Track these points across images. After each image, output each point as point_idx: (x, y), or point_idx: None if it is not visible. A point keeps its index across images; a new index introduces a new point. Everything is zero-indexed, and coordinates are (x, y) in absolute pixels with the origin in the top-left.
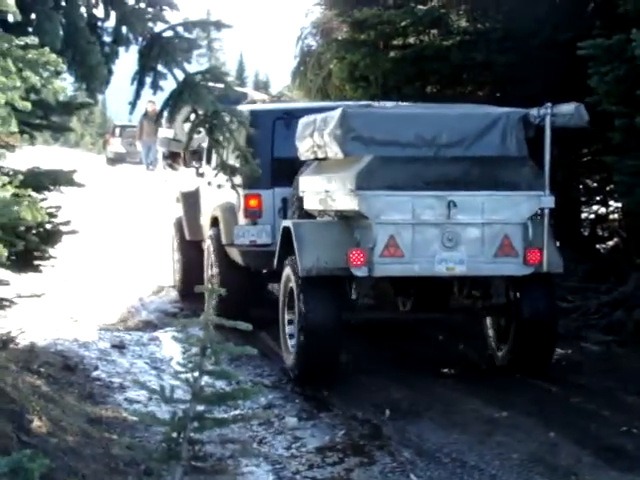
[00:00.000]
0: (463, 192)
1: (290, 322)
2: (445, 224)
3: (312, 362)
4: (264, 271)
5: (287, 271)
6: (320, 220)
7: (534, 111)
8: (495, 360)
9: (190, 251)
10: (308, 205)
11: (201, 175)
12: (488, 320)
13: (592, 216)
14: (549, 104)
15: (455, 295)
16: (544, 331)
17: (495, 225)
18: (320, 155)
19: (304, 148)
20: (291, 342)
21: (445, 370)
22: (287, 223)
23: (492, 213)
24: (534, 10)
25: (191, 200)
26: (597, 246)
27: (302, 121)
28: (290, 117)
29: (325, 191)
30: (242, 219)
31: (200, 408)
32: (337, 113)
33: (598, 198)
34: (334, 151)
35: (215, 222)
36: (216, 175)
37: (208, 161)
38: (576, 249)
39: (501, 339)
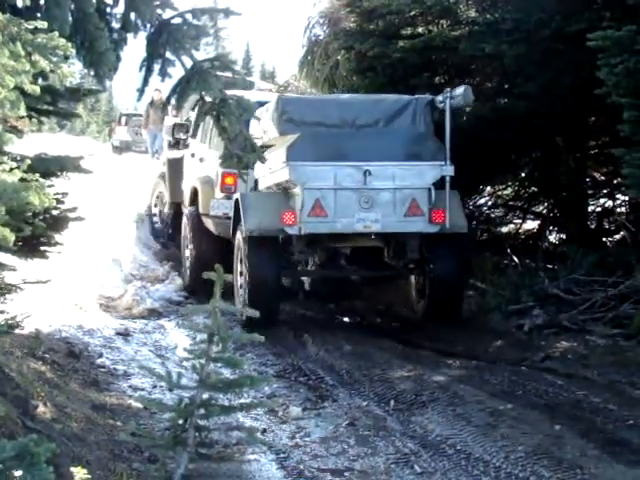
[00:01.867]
0: (377, 162)
1: (241, 274)
2: (362, 189)
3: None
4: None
5: (237, 235)
6: (262, 192)
7: (439, 97)
8: (415, 311)
9: (203, 243)
10: (261, 185)
11: (186, 146)
12: (412, 277)
13: (599, 209)
14: (448, 89)
15: (385, 256)
16: (451, 284)
17: (404, 190)
18: (265, 138)
19: (256, 134)
20: (240, 291)
21: (450, 361)
22: (236, 195)
23: (401, 180)
24: (544, 1)
25: (176, 166)
26: (604, 239)
27: None
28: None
29: (268, 168)
30: (218, 193)
31: (206, 395)
32: (274, 100)
33: (605, 191)
34: (273, 132)
35: (195, 193)
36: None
37: (194, 134)
38: (583, 242)
39: (420, 292)
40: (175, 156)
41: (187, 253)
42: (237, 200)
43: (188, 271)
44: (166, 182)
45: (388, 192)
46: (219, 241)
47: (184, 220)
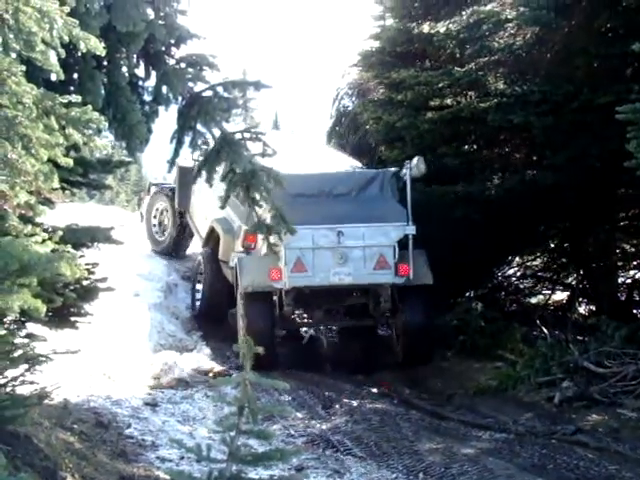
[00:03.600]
0: (348, 225)
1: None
2: (336, 248)
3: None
4: None
5: (238, 292)
6: (255, 255)
7: (403, 169)
8: (396, 356)
9: (216, 284)
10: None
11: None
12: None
13: (629, 280)
14: (407, 162)
15: (369, 308)
16: (420, 329)
17: (373, 247)
18: None
19: None
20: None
21: (479, 433)
22: (235, 260)
23: (370, 239)
24: (572, 73)
25: (187, 175)
26: (634, 311)
27: None
28: None
29: None
30: (239, 247)
31: (236, 468)
32: None
33: (635, 262)
34: None
35: (215, 236)
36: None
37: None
38: (613, 314)
39: (398, 338)
40: (187, 165)
41: (199, 287)
42: (236, 263)
43: (198, 303)
44: (176, 188)
45: (359, 249)
46: (230, 286)
47: (199, 257)
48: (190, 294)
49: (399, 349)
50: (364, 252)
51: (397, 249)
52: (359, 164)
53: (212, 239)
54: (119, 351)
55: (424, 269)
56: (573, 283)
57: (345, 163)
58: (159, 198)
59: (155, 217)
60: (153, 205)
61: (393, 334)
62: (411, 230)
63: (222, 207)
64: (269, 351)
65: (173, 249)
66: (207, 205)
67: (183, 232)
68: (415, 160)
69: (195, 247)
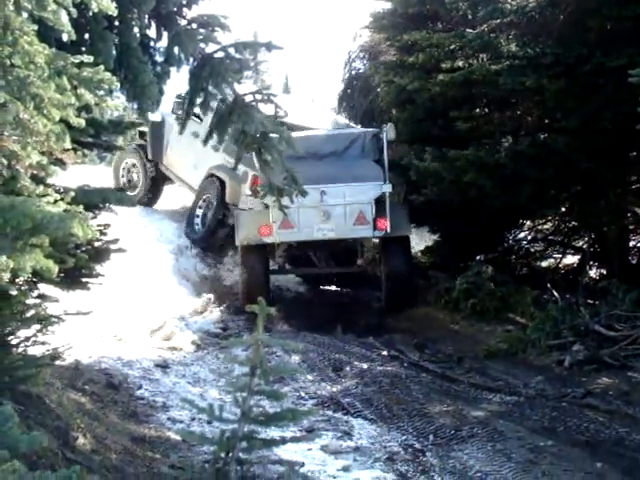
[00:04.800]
0: (331, 184)
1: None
2: (319, 206)
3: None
4: None
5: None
6: (250, 210)
7: (382, 131)
8: (381, 301)
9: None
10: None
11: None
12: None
13: None
14: (385, 125)
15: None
16: (400, 276)
17: (353, 205)
18: None
19: None
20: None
21: (490, 396)
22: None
23: (350, 197)
24: (585, 36)
25: (158, 130)
26: None
27: None
28: None
29: None
30: (247, 191)
31: (248, 428)
32: None
33: None
34: None
35: (216, 179)
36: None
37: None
38: (624, 277)
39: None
40: (157, 119)
41: (199, 212)
42: (234, 218)
43: (199, 228)
44: (148, 142)
45: (340, 207)
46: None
47: (208, 189)
48: (187, 216)
49: (383, 296)
50: (345, 209)
51: (374, 206)
52: (346, 122)
53: (211, 185)
54: (130, 313)
55: (403, 222)
56: (584, 247)
57: (332, 122)
58: (126, 155)
59: (123, 175)
60: (120, 162)
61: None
62: (388, 188)
63: (234, 168)
64: (265, 295)
65: (148, 199)
66: (194, 155)
67: (156, 182)
68: (388, 125)
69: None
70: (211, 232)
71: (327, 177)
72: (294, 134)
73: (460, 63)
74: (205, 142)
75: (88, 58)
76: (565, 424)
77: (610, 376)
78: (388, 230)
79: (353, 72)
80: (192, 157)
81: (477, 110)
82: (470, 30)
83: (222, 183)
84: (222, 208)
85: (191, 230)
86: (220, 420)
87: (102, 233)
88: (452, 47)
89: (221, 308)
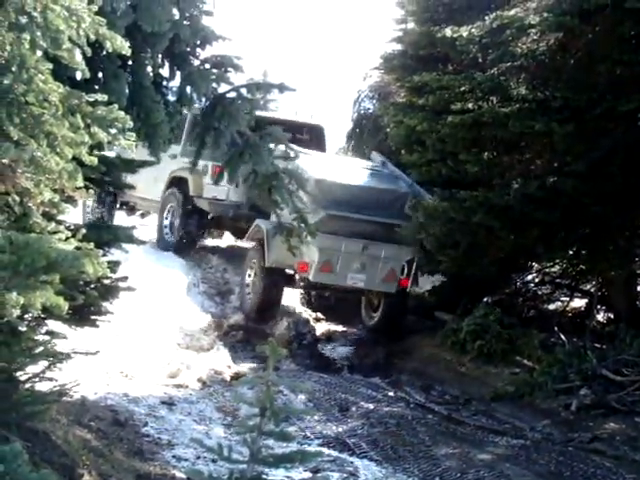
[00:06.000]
0: (373, 241)
1: (253, 282)
2: (360, 258)
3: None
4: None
5: (256, 253)
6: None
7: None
8: (365, 326)
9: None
10: None
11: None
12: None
13: None
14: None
15: None
16: (398, 304)
17: (388, 262)
18: None
19: None
20: (249, 294)
21: (496, 439)
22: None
23: (387, 255)
24: (595, 80)
25: None
26: None
27: None
28: None
29: None
30: (209, 180)
31: (257, 469)
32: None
33: None
34: None
35: (174, 190)
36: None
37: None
38: (632, 322)
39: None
40: None
41: (166, 222)
42: (264, 234)
43: (169, 237)
44: None
45: (376, 261)
46: (200, 216)
47: (167, 197)
48: (157, 231)
49: (377, 316)
50: (379, 264)
51: (405, 266)
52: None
53: (171, 195)
54: (137, 350)
55: (415, 281)
56: (592, 290)
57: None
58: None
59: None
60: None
61: (364, 310)
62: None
63: (194, 164)
64: (275, 311)
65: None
66: (154, 169)
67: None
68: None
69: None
70: (183, 237)
71: (370, 233)
72: (336, 181)
73: (470, 105)
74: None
75: (102, 97)
76: (572, 469)
77: (617, 421)
78: (408, 288)
79: (362, 111)
80: (151, 172)
81: (486, 152)
82: (480, 73)
83: (183, 186)
84: (186, 208)
85: (163, 241)
86: (228, 460)
87: (112, 271)
88: (462, 89)
89: (228, 346)
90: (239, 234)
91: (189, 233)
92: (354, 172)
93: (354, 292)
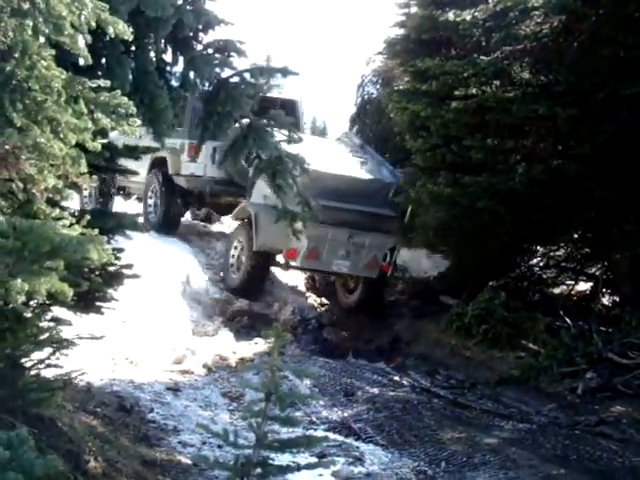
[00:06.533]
0: (359, 231)
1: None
2: (345, 245)
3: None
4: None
5: (242, 231)
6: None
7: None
8: (343, 305)
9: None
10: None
11: None
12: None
13: None
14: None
15: None
16: (378, 283)
17: (371, 251)
18: None
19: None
20: (233, 269)
21: (502, 423)
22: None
23: (370, 243)
24: (598, 63)
25: None
26: None
27: None
28: None
29: None
30: (186, 158)
31: (263, 454)
32: None
33: None
34: None
35: (160, 161)
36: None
37: None
38: (637, 305)
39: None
40: None
41: (150, 202)
42: (252, 216)
43: (152, 216)
44: None
45: (360, 249)
46: (183, 193)
47: (150, 178)
48: (143, 211)
49: (355, 297)
50: (363, 252)
51: (388, 254)
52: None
53: (153, 178)
54: (142, 336)
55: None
56: (597, 274)
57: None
58: None
59: None
60: None
61: (341, 289)
62: (399, 241)
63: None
64: (260, 288)
65: None
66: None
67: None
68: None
69: None
70: (165, 213)
71: (356, 222)
72: (325, 171)
73: (473, 90)
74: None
75: (105, 82)
76: (578, 452)
77: (623, 404)
78: (389, 273)
79: (366, 96)
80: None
81: (490, 137)
82: (483, 57)
83: (163, 166)
84: (167, 187)
85: (147, 222)
86: (234, 445)
87: (116, 257)
88: (465, 74)
89: (233, 331)
90: (221, 211)
91: (170, 212)
92: (339, 159)
93: (334, 274)
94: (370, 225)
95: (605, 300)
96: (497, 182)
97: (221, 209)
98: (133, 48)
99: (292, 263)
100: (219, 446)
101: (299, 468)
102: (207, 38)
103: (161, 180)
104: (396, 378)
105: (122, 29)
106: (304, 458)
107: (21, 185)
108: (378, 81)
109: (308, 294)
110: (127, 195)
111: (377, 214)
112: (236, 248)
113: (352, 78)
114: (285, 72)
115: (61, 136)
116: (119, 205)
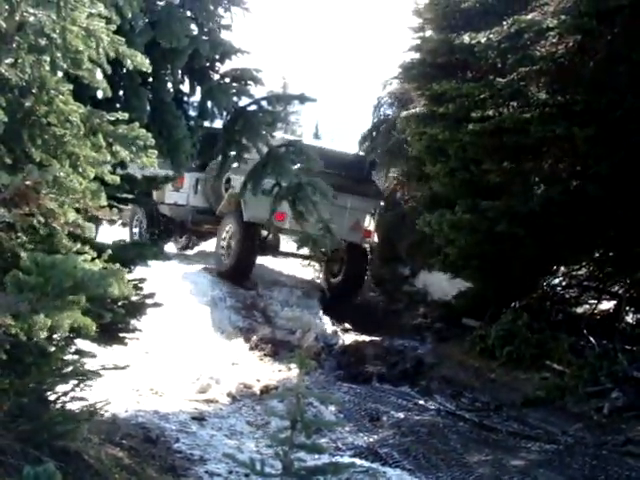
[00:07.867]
0: (340, 192)
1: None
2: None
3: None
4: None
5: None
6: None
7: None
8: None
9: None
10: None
11: None
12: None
13: None
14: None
15: None
16: (361, 263)
17: (354, 213)
18: None
19: None
20: (223, 251)
21: (529, 445)
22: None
23: (352, 205)
24: (615, 81)
25: None
26: None
27: None
28: None
29: None
30: (170, 188)
31: None
32: None
33: None
34: None
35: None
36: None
37: None
38: None
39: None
40: None
41: (136, 230)
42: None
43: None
44: None
45: (343, 212)
46: (167, 221)
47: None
48: (129, 237)
49: (337, 280)
50: (346, 215)
51: (370, 217)
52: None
53: (137, 207)
54: (165, 366)
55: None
56: (620, 292)
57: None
58: None
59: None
60: None
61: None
62: (381, 204)
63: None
64: (248, 269)
65: None
66: None
67: None
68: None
69: None
70: (151, 240)
71: (337, 185)
72: (309, 143)
73: (490, 112)
74: None
75: (123, 115)
76: (606, 472)
77: None
78: (375, 240)
79: (382, 117)
80: None
81: (508, 159)
82: (500, 79)
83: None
84: (151, 215)
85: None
86: (261, 474)
87: (138, 288)
88: (482, 96)
89: (256, 359)
90: (201, 237)
91: (155, 239)
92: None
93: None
94: (351, 189)
95: (629, 318)
96: (516, 205)
97: (202, 235)
98: (150, 79)
99: (281, 226)
100: (246, 475)
101: None
102: (224, 67)
103: (147, 209)
104: (421, 402)
105: (140, 61)
106: None
107: (42, 220)
108: (394, 103)
109: (329, 320)
110: (111, 221)
111: (357, 179)
112: (225, 237)
113: (369, 101)
114: (302, 99)
115: (80, 170)
116: (104, 230)
